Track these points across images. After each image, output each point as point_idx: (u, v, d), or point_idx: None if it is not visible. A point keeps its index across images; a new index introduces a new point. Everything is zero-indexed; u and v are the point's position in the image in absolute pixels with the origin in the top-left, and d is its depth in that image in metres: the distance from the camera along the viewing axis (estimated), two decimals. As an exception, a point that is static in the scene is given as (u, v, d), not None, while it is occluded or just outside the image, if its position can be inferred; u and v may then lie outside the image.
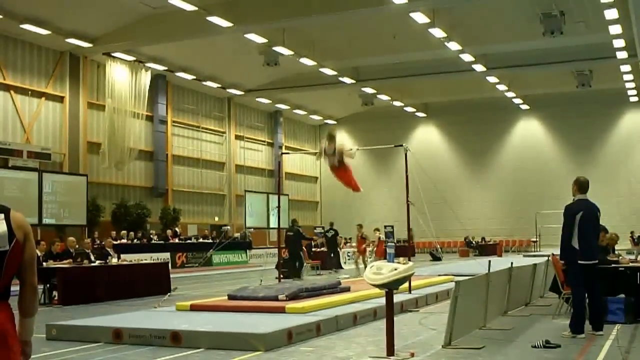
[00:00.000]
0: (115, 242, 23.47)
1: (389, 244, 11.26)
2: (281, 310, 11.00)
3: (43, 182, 26.40)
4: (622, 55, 32.49)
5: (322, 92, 41.30)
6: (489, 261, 10.53)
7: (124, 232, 29.43)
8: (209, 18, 25.86)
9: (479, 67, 35.33)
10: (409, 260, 10.29)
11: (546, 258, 14.35)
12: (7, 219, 3.44)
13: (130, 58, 31.53)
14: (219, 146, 40.66)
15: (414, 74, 37.09)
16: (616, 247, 13.61)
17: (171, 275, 18.85)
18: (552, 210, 34.81)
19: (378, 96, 42.05)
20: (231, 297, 12.62)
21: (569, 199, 9.80)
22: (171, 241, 31.23)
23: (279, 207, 17.21)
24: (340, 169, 14.62)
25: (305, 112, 46.70)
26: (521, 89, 42.31)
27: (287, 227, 24.01)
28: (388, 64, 36.46)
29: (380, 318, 10.90)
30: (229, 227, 36.74)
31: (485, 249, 40.78)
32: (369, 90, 40.69)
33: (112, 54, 30.74)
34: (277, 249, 20.54)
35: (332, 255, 28.55)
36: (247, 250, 34.58)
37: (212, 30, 27.32)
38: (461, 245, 43.13)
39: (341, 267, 29.59)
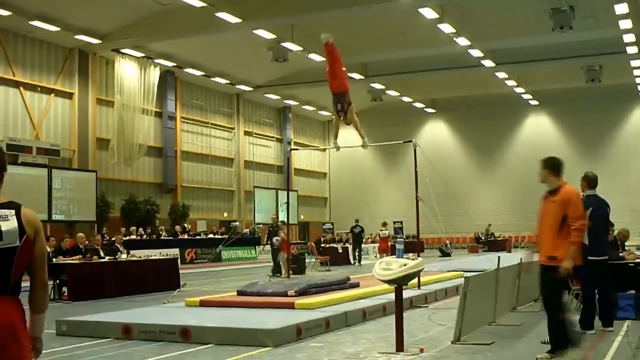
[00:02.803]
0: (124, 238, 23.54)
1: (398, 239, 11.27)
2: (290, 306, 11.00)
3: (52, 178, 26.49)
4: (632, 50, 32.33)
5: (331, 88, 41.19)
6: (499, 257, 10.51)
7: (133, 228, 29.51)
8: (218, 14, 25.86)
9: (488, 63, 35.23)
10: (418, 256, 10.28)
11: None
12: (18, 215, 3.45)
13: (139, 54, 31.58)
14: (228, 142, 40.71)
15: (423, 69, 37.03)
16: (626, 243, 13.51)
17: (180, 271, 18.90)
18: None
19: (387, 92, 42.01)
20: (240, 293, 12.64)
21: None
22: (180, 237, 31.30)
23: (288, 203, 17.20)
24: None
25: (314, 108, 46.67)
26: (530, 84, 42.17)
27: (270, 224, 24.50)
28: (397, 59, 36.39)
29: (389, 314, 10.90)
30: (238, 223, 36.81)
31: (495, 245, 40.70)
32: (378, 86, 40.65)
33: (121, 51, 30.82)
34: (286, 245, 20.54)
35: (356, 250, 29.95)
36: (256, 246, 34.63)
37: (220, 27, 27.34)
38: (470, 241, 43.06)
39: (349, 263, 29.69)
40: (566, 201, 7.30)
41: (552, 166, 7.61)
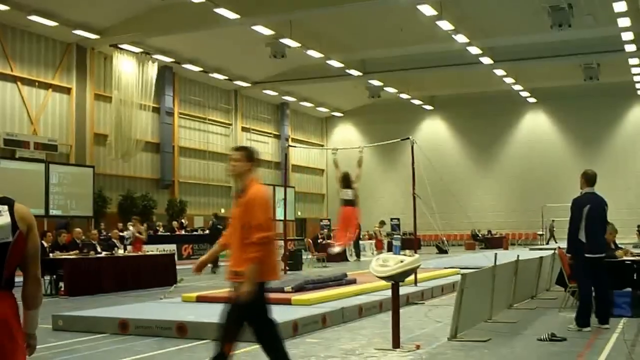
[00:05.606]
0: (121, 234, 23.53)
1: (395, 236, 11.17)
2: (287, 302, 11.00)
3: (50, 173, 26.44)
4: (630, 48, 32.33)
5: (329, 85, 41.26)
6: (495, 254, 10.51)
7: (130, 223, 29.46)
8: (216, 10, 25.82)
9: (486, 60, 35.22)
10: (415, 252, 10.28)
11: (552, 251, 14.31)
12: (11, 211, 3.44)
13: (137, 50, 31.53)
14: (226, 138, 40.67)
15: (421, 66, 37.01)
16: (622, 241, 13.51)
17: (177, 267, 18.88)
18: (558, 204, 34.74)
19: (385, 89, 41.97)
20: (237, 289, 12.61)
21: (576, 192, 9.76)
22: (177, 233, 31.27)
23: (285, 199, 17.22)
24: (350, 208, 14.24)
25: (312, 105, 46.65)
26: (528, 82, 42.18)
27: (213, 221, 24.70)
28: (395, 56, 36.38)
29: (385, 310, 10.90)
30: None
31: (492, 242, 40.72)
32: (376, 82, 40.61)
33: (119, 46, 30.74)
34: (283, 241, 20.55)
35: (356, 247, 30.21)
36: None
37: (219, 22, 27.29)
38: (467, 238, 43.07)
39: (346, 259, 29.70)
40: (249, 205, 5.62)
41: (251, 158, 5.87)
